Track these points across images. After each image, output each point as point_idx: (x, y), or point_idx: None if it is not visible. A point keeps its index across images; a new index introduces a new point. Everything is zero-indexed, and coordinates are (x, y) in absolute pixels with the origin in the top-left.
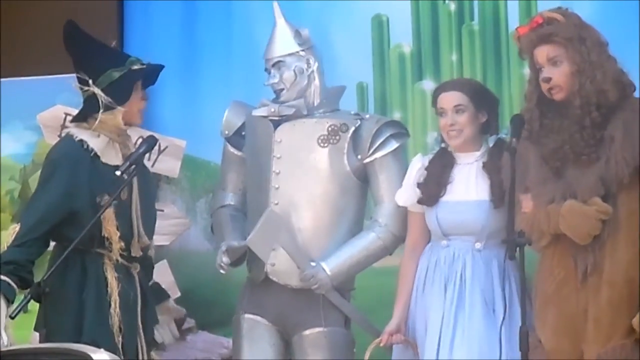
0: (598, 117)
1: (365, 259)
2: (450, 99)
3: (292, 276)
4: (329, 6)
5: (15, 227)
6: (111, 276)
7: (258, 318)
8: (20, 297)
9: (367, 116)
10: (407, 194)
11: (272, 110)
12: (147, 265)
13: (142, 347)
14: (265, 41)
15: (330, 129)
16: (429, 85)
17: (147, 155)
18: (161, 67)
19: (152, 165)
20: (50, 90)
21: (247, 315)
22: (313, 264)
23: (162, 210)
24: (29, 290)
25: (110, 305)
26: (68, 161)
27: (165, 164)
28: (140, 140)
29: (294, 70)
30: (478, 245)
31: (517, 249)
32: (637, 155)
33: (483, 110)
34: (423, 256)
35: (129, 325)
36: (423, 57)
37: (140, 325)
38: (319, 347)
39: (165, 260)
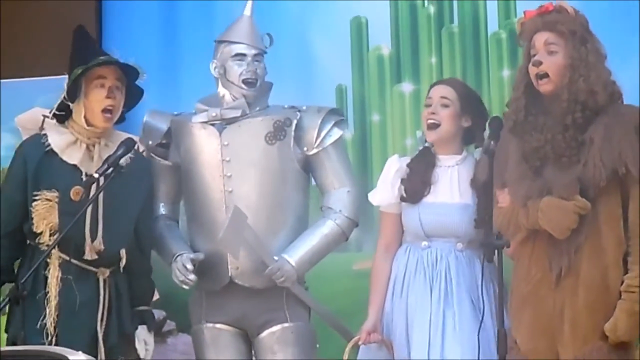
0: (581, 119)
1: (326, 245)
2: (439, 90)
3: (258, 277)
4: (308, 7)
5: None
6: (52, 275)
7: (221, 326)
8: None
9: (304, 107)
10: (382, 194)
11: (214, 114)
12: (133, 271)
13: (100, 353)
14: None
15: (276, 125)
16: (407, 87)
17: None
18: (130, 66)
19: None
20: (29, 92)
21: (208, 325)
22: (276, 258)
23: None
24: (7, 292)
25: (44, 303)
26: (20, 155)
27: None
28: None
29: (264, 68)
30: (460, 246)
31: (495, 251)
32: (616, 160)
33: (468, 114)
34: (399, 257)
35: (71, 328)
36: (402, 60)
37: (100, 331)
38: (286, 343)
39: None
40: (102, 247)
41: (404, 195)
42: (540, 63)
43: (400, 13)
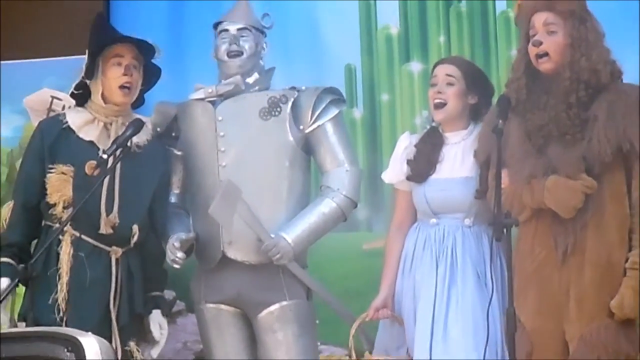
0: (585, 97)
1: (324, 224)
2: (444, 69)
3: (251, 251)
4: None
5: (9, 204)
6: (64, 252)
7: (220, 306)
8: None
9: (304, 88)
10: (393, 172)
11: (210, 91)
12: (147, 255)
13: (114, 333)
14: None
15: (270, 101)
16: (416, 66)
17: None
18: (147, 44)
19: None
20: (38, 73)
21: (208, 305)
22: (272, 235)
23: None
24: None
25: (57, 280)
26: (39, 131)
27: None
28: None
29: (255, 44)
30: (467, 221)
31: (504, 230)
32: (620, 136)
33: (474, 92)
34: (410, 235)
35: (82, 305)
36: (410, 39)
37: (114, 310)
38: (286, 321)
39: None
40: (118, 220)
41: (410, 174)
42: (541, 43)
43: None
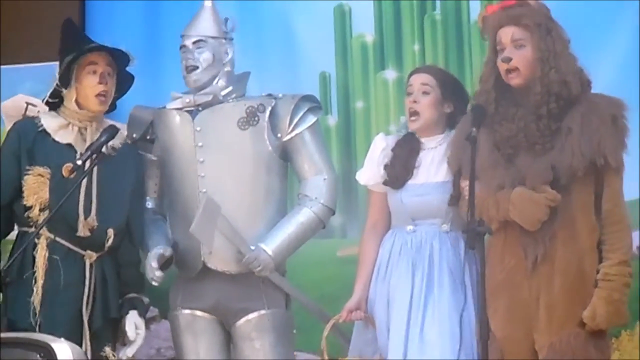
0: (555, 109)
1: (303, 234)
2: (419, 78)
3: (231, 262)
4: None
5: None
6: (39, 255)
7: (196, 312)
8: None
9: (280, 95)
10: (369, 173)
11: (187, 100)
12: (122, 259)
13: (85, 338)
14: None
15: (248, 110)
16: (391, 74)
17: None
18: (120, 52)
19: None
20: (13, 79)
21: (184, 311)
22: (252, 247)
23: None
24: None
25: (32, 283)
26: (14, 132)
27: None
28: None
29: (213, 54)
30: (445, 227)
31: (478, 237)
32: (595, 150)
33: (450, 100)
34: (385, 242)
35: (55, 309)
36: (385, 47)
37: (86, 314)
38: (263, 330)
39: None
40: (96, 223)
41: (387, 179)
42: (510, 59)
43: (383, 1)
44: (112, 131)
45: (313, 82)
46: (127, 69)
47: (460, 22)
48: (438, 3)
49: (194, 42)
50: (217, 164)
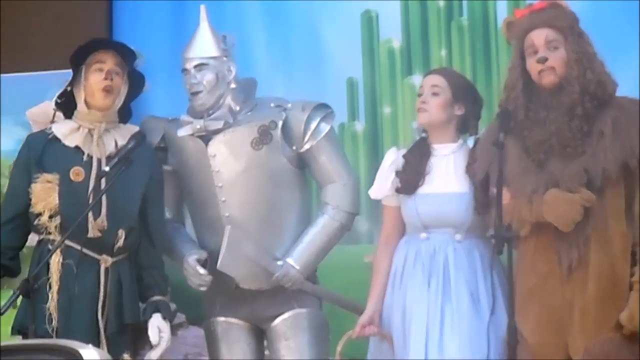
0: (590, 108)
1: (328, 242)
2: (430, 80)
3: (262, 280)
4: (318, 3)
5: None
6: (53, 261)
7: (232, 319)
8: (8, 293)
9: (289, 105)
10: (379, 187)
11: (198, 127)
12: (143, 262)
13: (102, 344)
14: (256, 40)
15: (260, 130)
16: (418, 80)
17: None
18: (128, 51)
19: None
20: (40, 86)
21: (219, 319)
22: (280, 262)
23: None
24: (18, 286)
25: (48, 289)
26: (26, 144)
27: None
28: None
29: (216, 74)
30: (458, 237)
31: (505, 243)
32: (628, 153)
33: (461, 103)
34: (399, 249)
35: (71, 315)
36: (412, 53)
37: (102, 320)
38: (299, 328)
39: None
40: (106, 223)
41: (399, 186)
42: (546, 59)
43: (410, 6)
44: (141, 137)
45: (340, 87)
46: (145, 71)
47: (487, 28)
48: (465, 8)
49: (195, 66)
50: (235, 187)
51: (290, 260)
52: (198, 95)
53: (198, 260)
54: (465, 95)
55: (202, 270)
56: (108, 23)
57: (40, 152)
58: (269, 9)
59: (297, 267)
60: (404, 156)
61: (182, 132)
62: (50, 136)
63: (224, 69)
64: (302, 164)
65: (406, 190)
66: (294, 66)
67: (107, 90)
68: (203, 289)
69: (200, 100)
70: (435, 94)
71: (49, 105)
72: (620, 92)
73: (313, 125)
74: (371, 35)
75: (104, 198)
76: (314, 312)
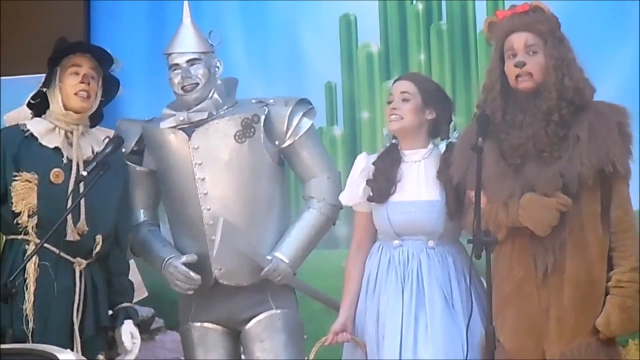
0: (567, 115)
1: (315, 236)
2: (400, 86)
3: (242, 274)
4: (297, 6)
5: None
6: (30, 262)
7: (208, 325)
8: None
9: (271, 100)
10: (351, 194)
11: (182, 119)
12: (112, 267)
13: (76, 345)
14: (234, 43)
15: (243, 123)
16: None
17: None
18: (105, 55)
19: None
20: (18, 90)
21: (196, 324)
22: (269, 257)
23: None
24: None
25: (24, 290)
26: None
27: None
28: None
29: (208, 69)
30: (431, 243)
31: (484, 248)
32: (603, 159)
33: (431, 107)
34: (372, 256)
35: (47, 317)
36: (391, 57)
37: (76, 322)
38: (273, 329)
39: (132, 260)
40: (86, 227)
41: (371, 195)
42: (524, 64)
43: (388, 10)
44: (118, 141)
45: (319, 92)
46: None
47: (466, 32)
48: (444, 13)
49: (188, 60)
50: (218, 180)
51: (279, 255)
52: (195, 89)
53: (186, 265)
54: (436, 99)
55: (194, 275)
56: (86, 23)
57: (17, 149)
58: (247, 12)
59: (287, 261)
60: (374, 163)
61: (165, 124)
62: (26, 133)
63: (213, 65)
64: (282, 160)
65: (378, 198)
66: (272, 70)
67: (84, 95)
68: (191, 292)
69: (195, 94)
70: (405, 100)
71: (26, 109)
72: (600, 94)
73: (295, 121)
74: (350, 39)
75: (82, 202)
76: (289, 313)
